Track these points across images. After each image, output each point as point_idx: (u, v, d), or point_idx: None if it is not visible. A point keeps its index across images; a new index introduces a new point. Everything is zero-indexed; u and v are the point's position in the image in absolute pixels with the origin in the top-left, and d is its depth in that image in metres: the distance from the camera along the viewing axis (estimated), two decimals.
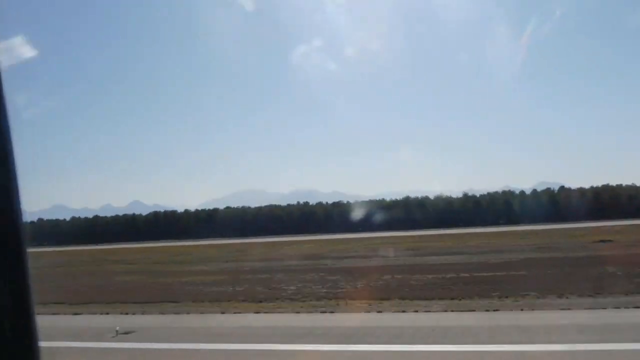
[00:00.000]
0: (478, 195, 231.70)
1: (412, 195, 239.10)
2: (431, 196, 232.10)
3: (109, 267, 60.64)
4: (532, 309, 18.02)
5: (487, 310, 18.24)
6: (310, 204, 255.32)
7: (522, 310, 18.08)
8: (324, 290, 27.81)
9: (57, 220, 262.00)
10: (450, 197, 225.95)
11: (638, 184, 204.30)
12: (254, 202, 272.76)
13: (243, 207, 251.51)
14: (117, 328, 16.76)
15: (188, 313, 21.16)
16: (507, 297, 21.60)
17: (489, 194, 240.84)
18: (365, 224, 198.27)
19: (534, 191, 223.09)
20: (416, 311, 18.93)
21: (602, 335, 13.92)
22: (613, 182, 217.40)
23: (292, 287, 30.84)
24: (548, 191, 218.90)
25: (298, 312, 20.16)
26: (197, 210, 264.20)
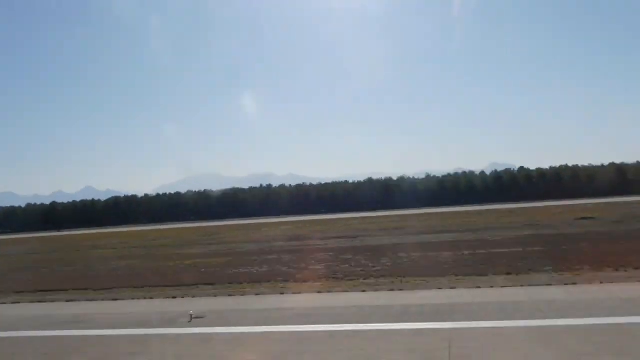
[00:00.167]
0: (440, 176, 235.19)
1: (374, 177, 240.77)
2: (393, 177, 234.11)
3: (94, 253, 58.47)
4: (611, 282, 17.85)
5: (566, 284, 17.93)
6: (274, 186, 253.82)
7: (601, 283, 17.89)
8: (359, 270, 27.11)
9: (12, 207, 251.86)
10: (414, 178, 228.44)
11: (595, 164, 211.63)
12: (210, 186, 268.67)
13: (206, 191, 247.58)
14: (191, 312, 15.62)
15: (244, 294, 20.16)
16: (562, 271, 21.46)
17: (449, 174, 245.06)
18: (329, 206, 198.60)
19: (495, 172, 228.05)
20: (521, 285, 18.50)
21: None
22: (557, 164, 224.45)
23: (318, 266, 30.05)
24: (508, 172, 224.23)
25: (364, 291, 19.40)
26: (158, 195, 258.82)
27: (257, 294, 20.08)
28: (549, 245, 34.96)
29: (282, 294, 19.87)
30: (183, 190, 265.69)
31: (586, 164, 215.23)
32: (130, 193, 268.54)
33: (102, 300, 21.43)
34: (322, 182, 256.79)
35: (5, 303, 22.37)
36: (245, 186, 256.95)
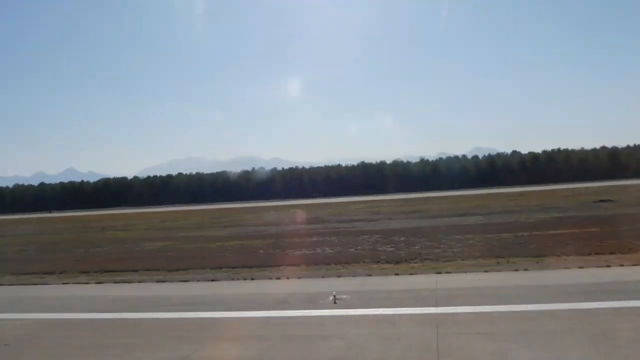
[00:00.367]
0: (432, 160, 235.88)
1: (366, 161, 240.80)
2: (387, 162, 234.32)
3: (110, 234, 57.60)
4: None
5: None
6: (264, 169, 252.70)
7: None
8: (425, 251, 26.89)
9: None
10: (408, 162, 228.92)
11: (587, 148, 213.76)
12: (194, 170, 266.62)
13: (197, 174, 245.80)
14: (334, 293, 15.23)
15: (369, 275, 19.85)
16: (613, 252, 21.69)
17: (441, 158, 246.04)
18: (326, 191, 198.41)
19: (488, 156, 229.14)
20: (608, 265, 18.54)
21: None
22: (539, 149, 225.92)
23: (386, 249, 29.67)
24: (501, 156, 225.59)
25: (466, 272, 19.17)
26: (149, 177, 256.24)
27: (395, 274, 19.63)
28: (584, 227, 34.77)
29: (396, 274, 19.48)
30: (171, 172, 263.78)
31: (576, 148, 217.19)
32: (112, 175, 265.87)
33: (199, 280, 20.90)
34: (314, 166, 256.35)
35: (88, 283, 21.76)
36: (230, 170, 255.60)
